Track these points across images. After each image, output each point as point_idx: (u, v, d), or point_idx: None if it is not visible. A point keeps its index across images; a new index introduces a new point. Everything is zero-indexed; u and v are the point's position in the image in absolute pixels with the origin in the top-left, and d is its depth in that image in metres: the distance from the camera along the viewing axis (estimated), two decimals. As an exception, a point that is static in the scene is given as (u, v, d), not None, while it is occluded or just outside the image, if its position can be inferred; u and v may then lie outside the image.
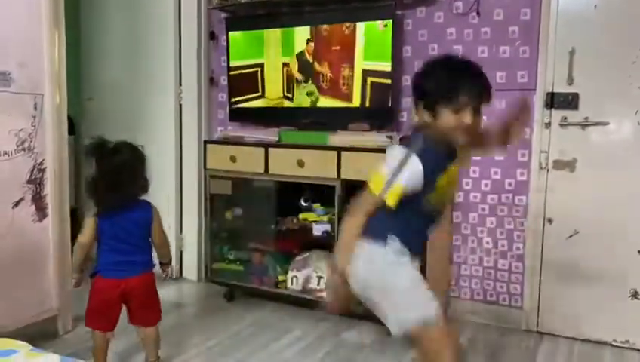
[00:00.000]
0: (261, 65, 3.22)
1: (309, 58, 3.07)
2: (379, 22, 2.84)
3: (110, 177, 2.06)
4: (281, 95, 3.18)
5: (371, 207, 1.62)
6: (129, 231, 2.14)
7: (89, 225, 2.13)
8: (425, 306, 1.59)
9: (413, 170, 1.57)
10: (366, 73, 2.91)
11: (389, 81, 2.85)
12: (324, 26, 2.99)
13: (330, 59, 3.00)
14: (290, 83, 3.15)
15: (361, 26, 2.89)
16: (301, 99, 3.13)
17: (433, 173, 1.60)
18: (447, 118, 1.58)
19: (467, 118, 1.56)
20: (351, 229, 1.65)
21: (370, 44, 2.88)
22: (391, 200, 1.58)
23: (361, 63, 2.93)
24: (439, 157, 1.64)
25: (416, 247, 1.75)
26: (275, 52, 3.16)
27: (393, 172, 1.57)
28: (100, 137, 2.13)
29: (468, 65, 1.66)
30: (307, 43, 3.06)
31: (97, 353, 2.18)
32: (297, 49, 3.09)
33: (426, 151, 1.59)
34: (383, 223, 1.64)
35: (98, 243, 2.16)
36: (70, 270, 2.69)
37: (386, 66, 2.84)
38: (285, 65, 3.14)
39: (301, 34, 3.07)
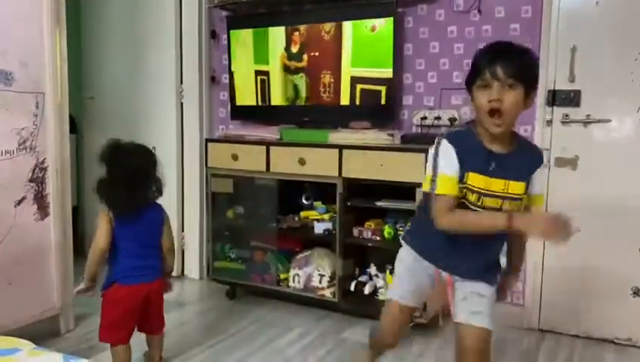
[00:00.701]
0: (266, 73, 3.22)
1: (309, 55, 3.07)
2: (378, 20, 2.84)
3: (127, 180, 2.03)
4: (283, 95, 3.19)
5: (443, 203, 1.55)
6: (144, 234, 2.11)
7: (105, 229, 2.05)
8: (391, 291, 1.92)
9: (445, 153, 1.55)
10: (365, 73, 2.91)
11: (390, 79, 2.85)
12: (325, 24, 2.99)
13: (330, 57, 3.00)
14: (289, 81, 3.15)
15: (362, 24, 2.89)
16: (301, 96, 3.13)
17: (465, 160, 1.54)
18: (476, 97, 1.55)
19: (493, 93, 1.49)
20: (460, 224, 1.58)
21: (372, 42, 2.88)
22: (446, 190, 1.54)
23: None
24: (473, 143, 1.56)
25: (431, 248, 1.75)
26: (273, 55, 3.17)
27: (432, 165, 1.58)
28: (115, 140, 2.09)
29: (497, 43, 1.62)
30: (307, 40, 3.06)
31: None
32: (297, 47, 3.09)
33: (457, 133, 1.61)
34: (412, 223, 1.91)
35: (112, 249, 2.09)
36: (71, 268, 2.71)
37: (387, 64, 2.83)
38: (287, 66, 3.15)
39: (304, 31, 3.07)
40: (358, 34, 2.91)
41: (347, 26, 2.93)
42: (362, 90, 2.94)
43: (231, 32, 3.30)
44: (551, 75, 2.68)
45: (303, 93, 3.13)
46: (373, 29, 2.87)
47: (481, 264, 1.73)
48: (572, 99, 2.65)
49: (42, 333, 2.53)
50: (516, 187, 1.58)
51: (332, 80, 3.02)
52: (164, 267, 2.21)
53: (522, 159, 1.61)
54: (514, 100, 1.50)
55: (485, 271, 1.74)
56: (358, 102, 2.97)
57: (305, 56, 3.09)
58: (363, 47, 2.91)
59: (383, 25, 2.83)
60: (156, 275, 2.14)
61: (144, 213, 2.10)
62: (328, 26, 2.99)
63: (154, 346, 2.25)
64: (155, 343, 2.24)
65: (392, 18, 2.82)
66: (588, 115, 2.64)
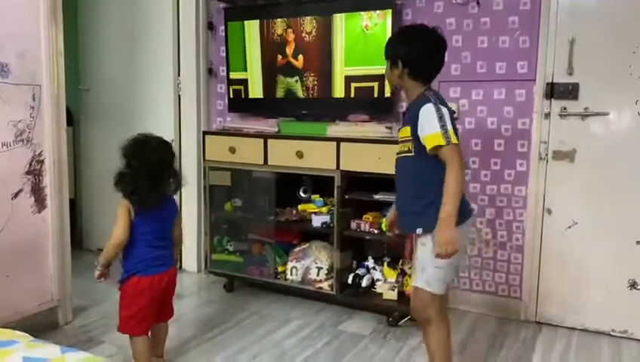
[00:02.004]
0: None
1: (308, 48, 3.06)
2: (377, 12, 2.83)
3: (154, 175, 2.04)
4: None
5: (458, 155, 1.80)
6: (162, 226, 2.14)
7: (125, 222, 2.05)
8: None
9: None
10: (362, 69, 2.91)
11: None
12: (323, 17, 2.98)
13: (326, 50, 2.99)
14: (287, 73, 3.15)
15: (360, 17, 2.88)
16: (299, 89, 3.12)
17: None
18: None
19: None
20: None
21: (370, 36, 2.87)
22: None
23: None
24: None
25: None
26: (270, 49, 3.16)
27: (439, 123, 1.80)
28: (140, 135, 2.09)
29: None
30: (308, 32, 3.05)
31: (143, 359, 2.10)
32: (294, 38, 3.08)
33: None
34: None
35: (128, 241, 2.08)
36: (69, 261, 2.71)
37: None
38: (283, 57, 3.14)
39: (305, 24, 3.06)
40: (354, 27, 2.90)
41: (344, 18, 2.92)
42: (358, 85, 2.94)
43: (228, 23, 3.28)
44: (549, 68, 2.67)
45: (301, 86, 3.12)
46: (366, 27, 2.87)
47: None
48: (570, 91, 2.65)
49: (40, 326, 2.53)
50: (404, 131, 1.93)
51: (330, 73, 3.01)
52: (174, 255, 2.26)
53: (412, 109, 1.91)
54: (386, 73, 2.02)
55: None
56: (354, 96, 2.96)
57: (302, 48, 3.08)
58: (360, 42, 2.90)
59: (382, 18, 2.82)
60: (171, 264, 2.18)
61: (163, 206, 2.13)
62: (325, 19, 2.98)
63: (162, 333, 2.26)
64: (162, 330, 2.25)
65: (390, 10, 2.81)
66: (586, 108, 2.64)
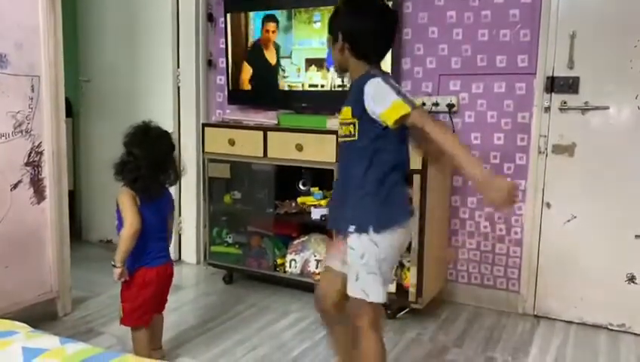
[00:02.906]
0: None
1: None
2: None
3: (158, 163, 2.04)
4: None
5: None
6: (163, 217, 2.14)
7: (135, 210, 2.01)
8: None
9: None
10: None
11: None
12: (322, 9, 2.97)
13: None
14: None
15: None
16: (299, 81, 3.11)
17: None
18: None
19: None
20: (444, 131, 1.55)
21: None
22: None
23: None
24: None
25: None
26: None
27: (395, 92, 1.57)
28: (143, 123, 2.08)
29: None
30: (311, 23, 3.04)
31: (144, 350, 2.09)
32: (294, 30, 3.07)
33: None
34: None
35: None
36: (68, 252, 2.71)
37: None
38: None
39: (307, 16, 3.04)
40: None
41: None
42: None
43: (228, 15, 3.27)
44: (550, 62, 2.67)
45: (300, 79, 3.11)
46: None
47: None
48: (570, 85, 2.65)
49: (39, 316, 2.54)
50: (344, 113, 1.69)
51: (330, 65, 3.00)
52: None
53: (353, 87, 1.70)
54: (332, 51, 1.75)
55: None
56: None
57: (302, 40, 3.06)
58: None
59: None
60: (169, 255, 2.19)
61: (163, 196, 2.14)
62: (325, 10, 2.96)
63: (159, 324, 2.27)
64: (159, 321, 2.26)
65: (390, 3, 2.79)
66: (586, 102, 2.64)
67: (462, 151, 1.50)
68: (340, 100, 2.90)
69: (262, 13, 3.16)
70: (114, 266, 2.03)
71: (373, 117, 1.60)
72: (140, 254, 2.07)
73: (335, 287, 1.78)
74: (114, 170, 2.04)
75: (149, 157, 2.01)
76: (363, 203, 1.65)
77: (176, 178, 2.15)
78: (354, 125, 1.65)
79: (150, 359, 1.24)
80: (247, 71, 3.27)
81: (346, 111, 1.68)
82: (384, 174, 1.64)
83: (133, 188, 2.02)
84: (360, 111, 1.62)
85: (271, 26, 3.15)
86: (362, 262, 1.64)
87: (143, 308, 2.10)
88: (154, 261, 2.09)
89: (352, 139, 1.67)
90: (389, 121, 1.56)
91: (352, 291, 1.68)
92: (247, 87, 3.28)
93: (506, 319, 2.80)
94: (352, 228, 1.65)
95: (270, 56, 3.19)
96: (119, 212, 2.05)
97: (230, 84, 3.34)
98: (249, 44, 3.22)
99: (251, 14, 3.19)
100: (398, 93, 1.57)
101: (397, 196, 1.67)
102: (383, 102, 1.57)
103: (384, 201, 1.64)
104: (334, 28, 1.73)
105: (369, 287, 1.65)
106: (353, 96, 1.66)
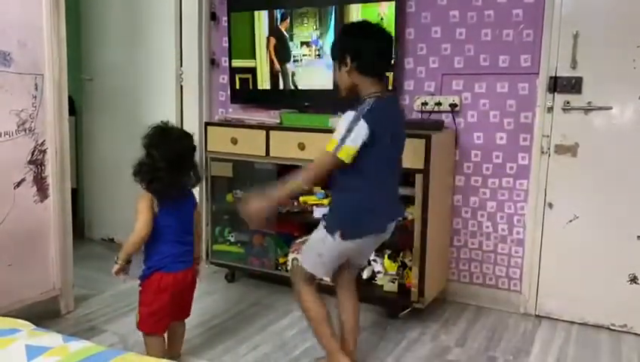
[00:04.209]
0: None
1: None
2: (382, 5, 2.81)
3: (178, 164, 1.97)
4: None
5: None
6: (185, 220, 2.07)
7: (148, 216, 1.96)
8: None
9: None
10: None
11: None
12: (326, 8, 2.97)
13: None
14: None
15: (368, 9, 2.86)
16: (301, 81, 3.11)
17: None
18: None
19: None
20: None
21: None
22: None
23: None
24: None
25: None
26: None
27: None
28: (163, 124, 2.03)
29: None
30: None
31: (157, 358, 2.04)
32: (298, 30, 3.07)
33: None
34: None
35: (150, 235, 2.01)
36: (71, 250, 2.72)
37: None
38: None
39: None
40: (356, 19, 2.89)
41: (351, 10, 2.91)
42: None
43: (231, 14, 3.27)
44: (553, 62, 2.66)
45: (303, 78, 3.11)
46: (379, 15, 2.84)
47: None
48: (573, 85, 2.64)
49: (42, 314, 2.55)
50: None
51: (333, 64, 3.00)
52: (195, 252, 2.18)
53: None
54: (336, 76, 2.05)
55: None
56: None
57: (305, 40, 3.06)
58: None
59: (386, 12, 2.80)
60: (192, 261, 2.12)
61: (185, 199, 2.07)
62: (330, 10, 2.96)
63: (179, 331, 2.19)
64: (180, 329, 2.19)
65: (394, 2, 2.79)
66: (589, 102, 2.63)
67: (303, 170, 1.97)
68: (342, 100, 2.91)
69: (266, 12, 3.16)
70: (115, 262, 2.01)
71: None
72: (157, 258, 2.00)
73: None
74: (132, 170, 1.98)
75: (167, 159, 1.95)
76: (330, 210, 2.09)
77: (198, 180, 2.09)
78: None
79: (151, 358, 1.25)
80: (249, 70, 3.27)
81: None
82: (343, 189, 2.01)
83: (150, 190, 1.97)
84: None
85: (278, 25, 3.15)
86: (317, 243, 2.06)
87: (159, 314, 2.02)
88: (171, 266, 2.01)
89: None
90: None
91: (300, 255, 2.19)
92: (250, 86, 3.29)
93: (508, 319, 2.80)
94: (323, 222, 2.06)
95: (273, 55, 3.19)
96: None
97: (233, 83, 3.34)
98: (252, 43, 3.22)
99: (256, 13, 3.19)
100: (342, 139, 1.85)
101: (353, 212, 1.99)
102: (335, 132, 1.89)
103: (342, 213, 2.02)
104: (340, 51, 1.94)
105: (308, 259, 2.11)
106: None
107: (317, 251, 2.06)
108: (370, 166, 1.91)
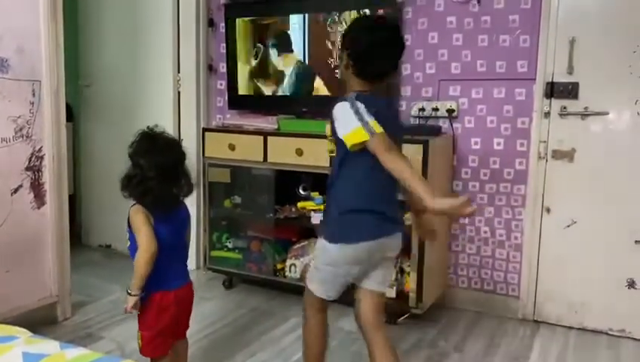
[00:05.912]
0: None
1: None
2: (378, 11, 2.82)
3: (167, 174, 1.79)
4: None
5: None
6: (180, 234, 1.91)
7: (150, 230, 1.76)
8: None
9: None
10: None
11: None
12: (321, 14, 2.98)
13: (327, 48, 2.99)
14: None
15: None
16: (299, 87, 3.12)
17: None
18: None
19: None
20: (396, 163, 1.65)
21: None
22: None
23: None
24: None
25: None
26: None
27: (356, 118, 1.69)
28: (149, 131, 1.84)
29: None
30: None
31: None
32: (294, 36, 3.08)
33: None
34: None
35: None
36: (68, 256, 2.71)
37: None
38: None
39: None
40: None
41: (345, 16, 2.92)
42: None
43: (229, 20, 3.28)
44: (549, 67, 2.67)
45: (301, 84, 3.12)
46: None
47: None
48: (570, 91, 2.65)
49: (39, 321, 2.54)
50: (327, 129, 1.81)
51: (330, 71, 3.01)
52: None
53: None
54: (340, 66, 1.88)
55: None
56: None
57: (303, 46, 3.07)
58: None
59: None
60: (188, 274, 1.96)
61: (178, 211, 1.90)
62: (327, 17, 2.97)
63: (183, 349, 2.06)
64: (183, 346, 2.05)
65: (391, 8, 2.80)
66: (586, 108, 2.64)
67: (411, 174, 1.61)
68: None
69: (263, 19, 3.17)
70: (129, 294, 1.77)
71: (341, 138, 1.71)
72: (155, 276, 1.80)
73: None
74: (120, 185, 1.80)
75: (158, 168, 1.77)
76: (328, 220, 1.90)
77: (190, 189, 1.90)
78: (334, 142, 1.79)
79: None
80: (247, 76, 3.28)
81: (328, 128, 1.81)
82: (344, 193, 1.80)
83: (143, 204, 1.79)
84: (333, 131, 1.75)
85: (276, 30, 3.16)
86: (317, 256, 1.95)
87: (163, 336, 1.87)
88: (171, 283, 1.85)
89: (333, 155, 1.83)
90: (348, 144, 1.68)
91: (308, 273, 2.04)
92: (248, 92, 3.29)
93: (506, 324, 2.80)
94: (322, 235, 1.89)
95: (271, 61, 3.20)
96: (131, 232, 1.81)
97: (230, 88, 3.35)
98: (249, 49, 3.23)
99: (253, 20, 3.20)
100: (361, 120, 1.65)
101: (352, 221, 1.79)
102: (345, 125, 1.68)
103: (339, 221, 1.81)
104: (343, 44, 1.85)
105: (312, 277, 1.99)
106: (330, 117, 1.77)
107: (316, 264, 1.94)
108: (366, 168, 1.75)
